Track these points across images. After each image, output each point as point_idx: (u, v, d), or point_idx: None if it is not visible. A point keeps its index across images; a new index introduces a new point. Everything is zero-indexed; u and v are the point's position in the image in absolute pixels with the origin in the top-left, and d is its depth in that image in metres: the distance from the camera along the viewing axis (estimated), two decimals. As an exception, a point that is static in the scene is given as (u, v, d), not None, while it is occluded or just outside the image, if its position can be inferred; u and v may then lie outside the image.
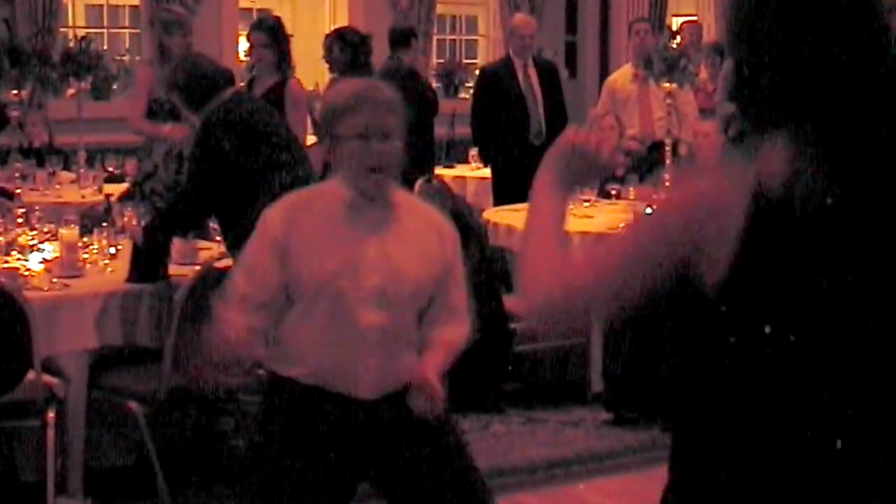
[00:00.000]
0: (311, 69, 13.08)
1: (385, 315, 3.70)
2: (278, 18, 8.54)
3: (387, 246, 3.73)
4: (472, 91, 10.34)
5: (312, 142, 7.36)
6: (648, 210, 7.04)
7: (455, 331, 3.86)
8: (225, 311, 3.71)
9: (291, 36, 8.33)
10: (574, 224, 7.13)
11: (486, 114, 9.74)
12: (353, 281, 3.66)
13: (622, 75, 9.95)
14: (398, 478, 3.87)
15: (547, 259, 2.24)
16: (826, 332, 2.08)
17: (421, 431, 3.78)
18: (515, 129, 9.55)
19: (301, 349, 3.75)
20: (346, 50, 8.87)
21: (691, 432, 2.22)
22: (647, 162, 8.77)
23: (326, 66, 9.29)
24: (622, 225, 6.97)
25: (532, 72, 9.79)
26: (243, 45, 10.62)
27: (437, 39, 14.45)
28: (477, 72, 11.90)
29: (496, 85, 9.77)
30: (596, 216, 7.47)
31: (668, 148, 8.11)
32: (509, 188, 8.76)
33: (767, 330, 2.07)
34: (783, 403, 2.09)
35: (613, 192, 8.11)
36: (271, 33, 8.02)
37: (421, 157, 8.56)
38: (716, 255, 2.08)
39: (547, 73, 9.95)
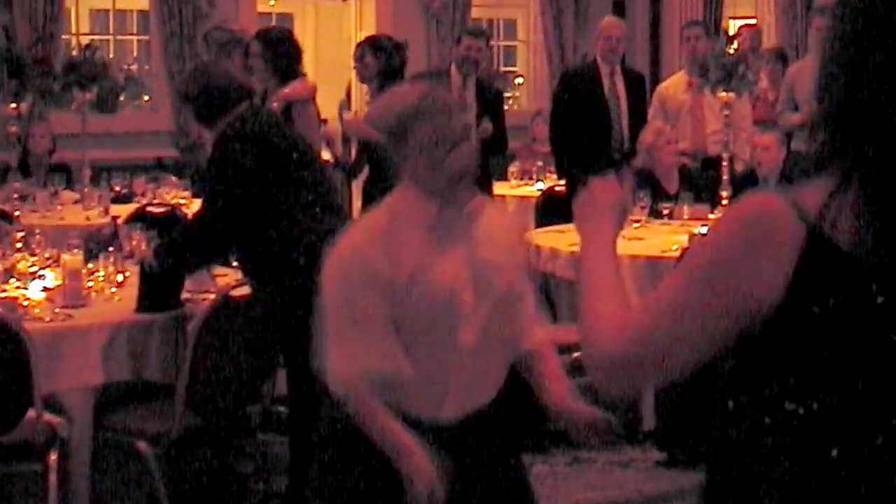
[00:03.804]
0: (335, 76, 13.15)
1: (480, 327, 3.69)
2: (287, 31, 8.55)
3: (480, 255, 3.72)
4: (552, 94, 10.22)
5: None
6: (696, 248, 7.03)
7: (543, 332, 3.95)
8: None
9: (301, 52, 8.30)
10: (624, 247, 7.17)
11: (566, 120, 9.65)
12: (460, 297, 3.66)
13: (674, 84, 9.91)
14: None
15: (612, 317, 2.33)
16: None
17: (496, 468, 3.87)
18: (596, 138, 9.47)
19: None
20: (380, 57, 8.89)
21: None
22: (702, 179, 8.72)
23: (356, 74, 9.36)
24: (675, 248, 6.95)
25: (619, 79, 9.72)
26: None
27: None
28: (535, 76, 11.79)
29: (579, 89, 9.68)
30: (647, 238, 7.44)
31: (724, 164, 8.07)
32: None
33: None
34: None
35: (665, 212, 8.05)
36: (266, 44, 7.99)
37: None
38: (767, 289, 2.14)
39: (634, 84, 9.88)
